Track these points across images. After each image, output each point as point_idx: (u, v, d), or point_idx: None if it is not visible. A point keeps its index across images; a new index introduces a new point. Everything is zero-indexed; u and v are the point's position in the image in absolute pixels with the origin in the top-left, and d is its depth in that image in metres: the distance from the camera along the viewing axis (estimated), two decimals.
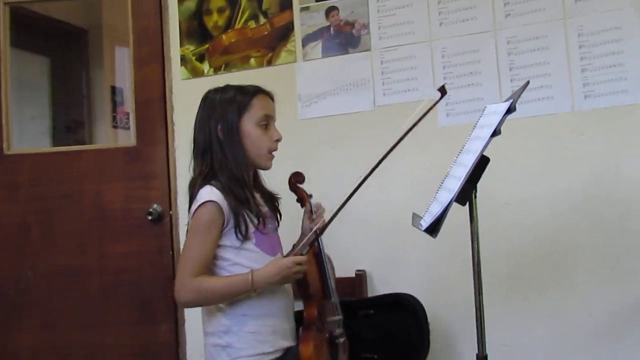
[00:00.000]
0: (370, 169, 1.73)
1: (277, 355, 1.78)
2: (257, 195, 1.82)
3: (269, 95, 1.85)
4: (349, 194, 1.73)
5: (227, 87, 1.84)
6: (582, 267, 2.28)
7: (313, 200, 1.92)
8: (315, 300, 1.78)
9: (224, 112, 1.76)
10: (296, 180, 1.93)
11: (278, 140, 1.81)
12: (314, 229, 1.78)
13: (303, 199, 1.93)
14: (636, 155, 2.23)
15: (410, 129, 1.76)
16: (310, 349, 1.69)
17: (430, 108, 1.77)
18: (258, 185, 1.86)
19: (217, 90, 1.84)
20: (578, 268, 2.28)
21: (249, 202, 1.73)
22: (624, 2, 2.24)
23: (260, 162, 1.80)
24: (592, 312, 2.26)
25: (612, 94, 2.26)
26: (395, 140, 1.75)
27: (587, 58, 2.29)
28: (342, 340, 1.86)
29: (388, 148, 1.76)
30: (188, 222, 1.78)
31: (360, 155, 2.48)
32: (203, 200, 1.69)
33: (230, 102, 1.77)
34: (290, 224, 1.99)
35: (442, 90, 1.77)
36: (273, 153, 1.83)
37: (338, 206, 1.73)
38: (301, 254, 1.71)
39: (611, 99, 2.26)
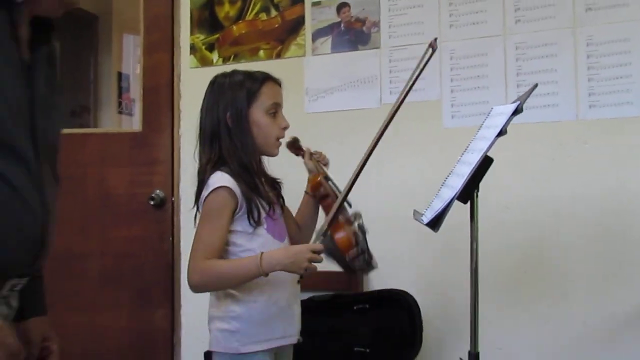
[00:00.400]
0: (376, 137, 1.75)
1: (286, 342, 1.79)
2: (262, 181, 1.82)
3: (277, 82, 1.82)
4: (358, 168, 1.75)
5: (235, 72, 1.81)
6: (579, 275, 2.30)
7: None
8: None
9: (233, 98, 1.74)
10: (293, 146, 1.94)
11: (286, 128, 1.80)
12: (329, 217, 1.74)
13: (300, 149, 1.94)
14: (639, 167, 2.25)
15: (406, 95, 1.77)
16: (345, 235, 1.67)
17: (424, 67, 1.75)
18: (261, 171, 1.85)
19: (225, 75, 1.81)
20: (575, 276, 2.30)
21: (259, 189, 1.73)
22: (634, 14, 2.26)
23: (268, 150, 1.79)
24: (586, 320, 2.28)
25: (617, 105, 2.28)
26: (397, 103, 1.75)
27: (595, 68, 2.31)
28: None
29: (389, 114, 1.76)
30: (197, 209, 1.76)
31: (365, 150, 2.51)
32: (215, 186, 1.67)
33: (240, 87, 1.75)
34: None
35: (433, 45, 1.73)
36: (280, 140, 1.82)
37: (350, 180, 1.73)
38: (323, 235, 1.65)
39: (616, 110, 2.28)
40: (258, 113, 1.76)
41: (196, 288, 1.65)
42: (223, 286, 1.68)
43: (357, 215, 1.75)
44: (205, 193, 1.69)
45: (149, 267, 2.84)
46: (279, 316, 1.75)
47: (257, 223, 1.71)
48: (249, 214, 1.69)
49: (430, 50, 1.73)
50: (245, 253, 1.71)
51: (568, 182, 2.31)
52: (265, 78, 1.79)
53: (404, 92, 1.74)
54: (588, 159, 2.30)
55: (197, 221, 1.74)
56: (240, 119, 1.74)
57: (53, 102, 1.29)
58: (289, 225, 1.89)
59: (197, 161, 1.79)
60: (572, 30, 2.34)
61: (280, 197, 1.89)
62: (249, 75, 1.79)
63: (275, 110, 1.79)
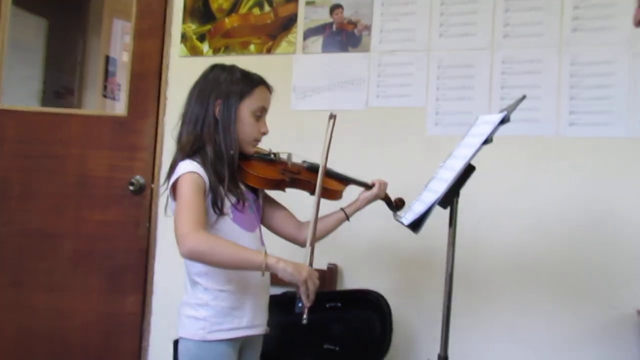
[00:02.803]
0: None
1: (253, 332, 1.79)
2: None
3: (269, 89, 1.86)
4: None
5: (234, 69, 1.83)
6: (547, 286, 2.33)
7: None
8: None
9: (227, 92, 1.77)
10: None
11: (264, 133, 1.84)
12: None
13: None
14: (612, 186, 2.28)
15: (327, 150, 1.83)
16: None
17: (331, 137, 1.83)
18: (234, 165, 1.84)
19: (224, 68, 1.83)
20: (542, 286, 2.33)
21: (225, 180, 1.73)
22: (619, 38, 2.30)
23: (243, 147, 1.81)
24: (553, 330, 2.31)
25: (597, 124, 2.31)
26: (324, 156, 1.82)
27: (577, 87, 2.34)
28: None
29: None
30: (168, 196, 1.76)
31: (349, 153, 2.51)
32: (186, 171, 1.68)
33: (236, 84, 1.78)
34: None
35: (332, 117, 1.84)
36: (257, 141, 1.85)
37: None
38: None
39: (595, 129, 2.31)
40: (245, 111, 1.79)
41: (190, 253, 1.58)
42: (215, 260, 1.61)
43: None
44: (174, 178, 1.70)
45: (123, 252, 2.80)
46: (246, 306, 1.76)
47: (221, 212, 1.71)
48: (213, 202, 1.70)
49: (332, 120, 1.82)
50: None
51: (543, 196, 2.34)
52: (261, 82, 1.83)
53: (324, 163, 1.82)
54: (564, 175, 2.33)
55: (167, 206, 1.76)
56: (229, 112, 1.76)
57: None
58: (284, 225, 1.94)
59: (175, 140, 1.82)
60: (558, 49, 2.37)
61: (260, 195, 1.91)
62: (247, 74, 1.83)
63: (260, 113, 1.83)
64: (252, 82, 1.81)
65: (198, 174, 1.68)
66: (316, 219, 1.76)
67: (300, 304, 1.61)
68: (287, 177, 1.86)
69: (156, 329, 2.79)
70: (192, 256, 1.60)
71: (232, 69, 1.83)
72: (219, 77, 1.80)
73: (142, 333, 2.79)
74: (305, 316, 1.61)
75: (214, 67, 1.84)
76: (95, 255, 2.80)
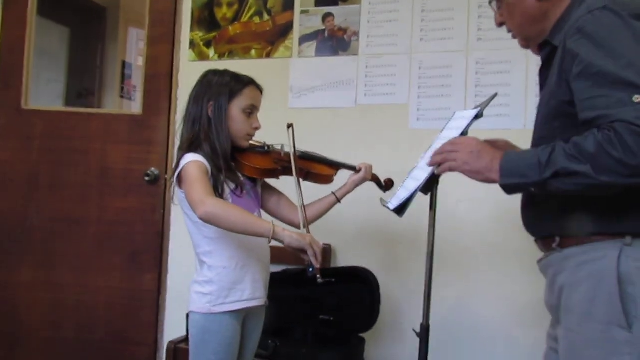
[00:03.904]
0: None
1: (254, 304, 1.79)
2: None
3: (259, 88, 1.86)
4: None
5: (225, 72, 1.84)
6: (514, 261, 2.32)
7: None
8: None
9: (217, 93, 1.78)
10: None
11: (256, 129, 1.84)
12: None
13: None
14: None
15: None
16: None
17: (294, 143, 1.83)
18: (229, 158, 1.83)
19: (215, 73, 1.84)
20: (510, 262, 2.33)
21: (224, 170, 1.74)
22: None
23: (237, 142, 1.82)
24: (517, 300, 2.32)
25: None
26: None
27: None
28: None
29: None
30: (173, 183, 1.77)
31: (340, 144, 2.52)
32: (190, 160, 1.70)
33: (225, 86, 1.79)
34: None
35: (290, 126, 1.82)
36: (250, 136, 1.85)
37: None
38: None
39: None
40: (236, 109, 1.80)
41: (207, 214, 1.57)
42: (229, 222, 1.59)
43: None
44: (182, 164, 1.71)
45: (141, 235, 2.79)
46: (247, 281, 1.77)
47: (221, 197, 1.72)
48: (214, 187, 1.71)
49: (290, 130, 1.81)
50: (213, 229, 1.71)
51: None
52: (250, 82, 1.83)
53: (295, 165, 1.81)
54: None
55: (174, 195, 1.78)
56: (220, 112, 1.77)
57: None
58: (281, 208, 1.95)
59: (179, 138, 1.84)
60: (525, 52, 2.33)
61: (258, 183, 1.92)
62: (236, 76, 1.83)
63: (251, 111, 1.83)
64: (241, 83, 1.81)
65: (201, 161, 1.70)
66: (301, 199, 1.76)
67: (311, 269, 1.58)
68: (280, 165, 1.86)
69: (171, 304, 2.79)
70: (209, 217, 1.58)
71: (223, 73, 1.84)
72: (211, 81, 1.81)
73: (158, 308, 2.79)
74: (319, 276, 1.58)
75: (208, 73, 1.85)
76: (116, 238, 2.80)
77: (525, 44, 1.46)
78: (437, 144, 1.63)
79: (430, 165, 1.42)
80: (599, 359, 1.21)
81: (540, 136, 1.35)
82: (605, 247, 1.22)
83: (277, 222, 1.71)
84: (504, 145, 1.56)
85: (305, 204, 1.79)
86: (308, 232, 1.70)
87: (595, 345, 1.21)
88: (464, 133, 1.49)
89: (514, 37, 1.47)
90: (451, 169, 1.36)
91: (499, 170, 1.24)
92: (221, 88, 1.78)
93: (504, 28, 1.48)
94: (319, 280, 1.58)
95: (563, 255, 1.30)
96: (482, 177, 1.30)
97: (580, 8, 1.26)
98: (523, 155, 1.25)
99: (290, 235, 1.57)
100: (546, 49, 1.38)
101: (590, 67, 1.15)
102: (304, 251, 1.58)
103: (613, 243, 1.21)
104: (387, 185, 2.04)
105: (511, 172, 1.23)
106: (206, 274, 1.75)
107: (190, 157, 1.71)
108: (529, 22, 1.38)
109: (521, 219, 1.47)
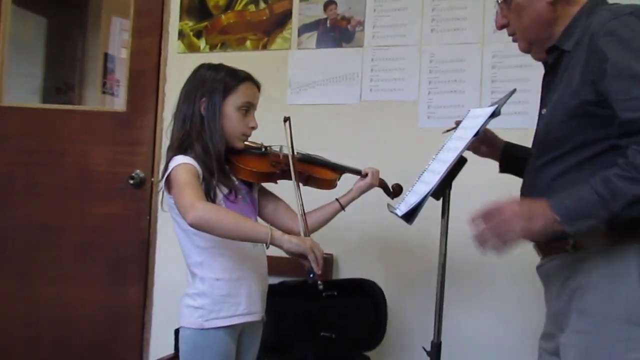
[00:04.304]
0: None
1: (250, 319, 1.79)
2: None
3: (256, 84, 1.86)
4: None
5: (220, 67, 1.84)
6: (533, 273, 2.31)
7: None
8: None
9: (211, 90, 1.78)
10: None
11: (253, 128, 1.84)
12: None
13: None
14: None
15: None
16: None
17: (291, 137, 1.84)
18: (222, 159, 1.84)
19: (209, 67, 1.84)
20: (534, 276, 2.32)
21: (216, 174, 1.73)
22: None
23: (232, 142, 1.82)
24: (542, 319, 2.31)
25: None
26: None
27: None
28: None
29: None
30: (161, 188, 1.78)
31: (343, 144, 2.52)
32: (180, 162, 1.70)
33: (220, 81, 1.79)
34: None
35: (286, 119, 1.84)
36: (245, 136, 1.85)
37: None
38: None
39: None
40: (230, 107, 1.80)
41: (198, 219, 1.56)
42: (222, 228, 1.60)
43: None
44: (171, 166, 1.70)
45: (125, 244, 2.80)
46: (242, 294, 1.77)
47: (213, 202, 1.72)
48: (206, 192, 1.71)
49: (287, 123, 1.83)
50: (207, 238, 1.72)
51: None
52: (246, 78, 1.84)
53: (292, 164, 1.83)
54: None
55: (163, 200, 1.79)
56: (214, 109, 1.78)
57: None
58: (279, 216, 1.94)
59: (168, 137, 1.85)
60: None
61: (254, 187, 1.92)
62: (231, 71, 1.83)
63: (247, 108, 1.83)
64: (237, 79, 1.81)
65: (191, 164, 1.70)
66: (301, 205, 1.77)
67: (312, 275, 1.59)
68: (278, 169, 1.86)
69: (157, 319, 2.79)
70: (200, 223, 1.58)
71: (217, 67, 1.84)
72: (204, 76, 1.81)
73: (144, 323, 2.80)
74: (320, 282, 1.59)
75: (201, 67, 1.85)
76: (97, 247, 2.80)
77: (527, 47, 1.55)
78: (450, 145, 1.63)
79: (479, 245, 1.44)
80: (618, 357, 1.30)
81: (556, 137, 1.43)
82: (626, 248, 1.32)
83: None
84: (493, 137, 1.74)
85: (305, 211, 1.79)
86: (306, 223, 1.72)
87: (613, 344, 1.31)
88: (479, 133, 1.49)
89: (515, 40, 1.57)
90: (511, 242, 1.38)
91: (560, 219, 1.28)
92: (215, 84, 1.78)
93: None
94: (320, 287, 1.59)
95: (577, 257, 1.38)
96: (546, 234, 1.33)
97: (597, 15, 1.37)
98: (576, 195, 1.29)
99: (289, 240, 1.58)
100: (554, 54, 1.48)
101: (627, 69, 1.26)
102: (304, 256, 1.58)
103: (632, 244, 1.31)
104: (395, 192, 2.04)
105: (576, 216, 1.28)
106: (198, 286, 1.75)
107: (180, 159, 1.71)
108: (538, 26, 1.48)
109: None
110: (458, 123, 1.74)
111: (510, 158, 1.81)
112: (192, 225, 1.59)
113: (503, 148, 1.81)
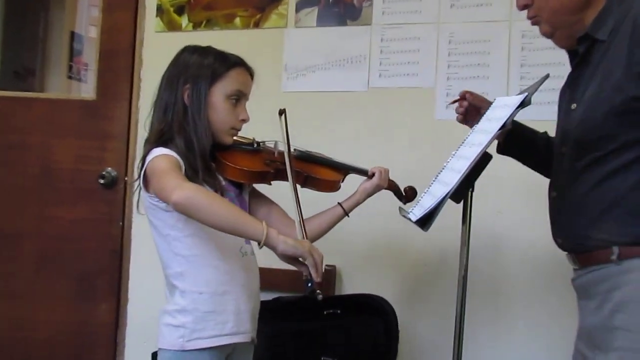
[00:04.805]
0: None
1: (238, 339, 1.78)
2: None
3: (249, 71, 1.86)
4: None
5: (208, 50, 1.84)
6: (566, 288, 2.31)
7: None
8: None
9: (196, 75, 1.78)
10: None
11: (244, 121, 1.84)
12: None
13: None
14: None
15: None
16: None
17: (287, 132, 1.85)
18: (207, 155, 1.84)
19: (195, 50, 1.84)
20: (562, 290, 2.31)
21: (203, 173, 1.73)
22: None
23: (220, 137, 1.82)
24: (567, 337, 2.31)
25: None
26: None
27: None
28: None
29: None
30: (137, 187, 1.78)
31: (347, 139, 2.52)
32: (158, 154, 1.69)
33: (207, 67, 1.79)
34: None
35: (282, 112, 1.85)
36: (235, 129, 1.85)
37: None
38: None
39: None
40: (218, 96, 1.79)
41: (187, 199, 1.55)
42: (212, 214, 1.58)
43: None
44: (148, 159, 1.70)
45: (94, 254, 2.80)
46: (229, 311, 1.76)
47: None
48: None
49: (283, 116, 1.85)
50: (190, 238, 1.73)
51: None
52: (237, 63, 1.83)
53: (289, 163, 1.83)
54: None
55: (140, 201, 1.78)
56: (199, 99, 1.77)
57: None
58: (273, 222, 1.88)
59: (146, 130, 1.84)
60: None
61: (245, 189, 1.92)
62: (221, 55, 1.83)
63: (237, 98, 1.82)
64: (226, 63, 1.81)
65: (173, 155, 1.70)
66: (299, 210, 1.76)
67: (309, 284, 1.58)
68: (272, 168, 1.86)
69: (131, 340, 2.80)
70: (186, 204, 1.56)
71: (205, 50, 1.84)
72: (189, 60, 1.81)
73: (116, 346, 2.80)
74: (319, 291, 1.57)
75: (186, 49, 1.85)
76: (61, 258, 2.80)
77: (550, 31, 1.61)
78: (472, 139, 1.64)
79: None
80: None
81: (599, 136, 1.45)
82: None
83: None
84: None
85: (304, 217, 1.79)
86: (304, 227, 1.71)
87: None
88: (506, 125, 1.49)
89: (535, 23, 1.64)
90: None
91: None
92: (201, 69, 1.78)
93: None
94: (319, 298, 1.58)
95: (623, 268, 1.42)
96: None
97: (636, 2, 1.42)
98: None
99: (284, 241, 1.58)
100: (585, 43, 1.54)
101: None
102: (301, 262, 1.58)
103: None
104: (407, 196, 2.04)
105: None
106: (178, 302, 1.75)
107: (159, 151, 1.71)
108: (567, 10, 1.54)
109: (554, 228, 1.60)
110: (464, 95, 1.77)
111: (517, 139, 1.82)
112: (176, 205, 1.57)
113: None
